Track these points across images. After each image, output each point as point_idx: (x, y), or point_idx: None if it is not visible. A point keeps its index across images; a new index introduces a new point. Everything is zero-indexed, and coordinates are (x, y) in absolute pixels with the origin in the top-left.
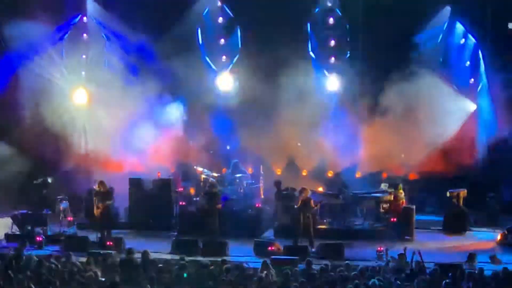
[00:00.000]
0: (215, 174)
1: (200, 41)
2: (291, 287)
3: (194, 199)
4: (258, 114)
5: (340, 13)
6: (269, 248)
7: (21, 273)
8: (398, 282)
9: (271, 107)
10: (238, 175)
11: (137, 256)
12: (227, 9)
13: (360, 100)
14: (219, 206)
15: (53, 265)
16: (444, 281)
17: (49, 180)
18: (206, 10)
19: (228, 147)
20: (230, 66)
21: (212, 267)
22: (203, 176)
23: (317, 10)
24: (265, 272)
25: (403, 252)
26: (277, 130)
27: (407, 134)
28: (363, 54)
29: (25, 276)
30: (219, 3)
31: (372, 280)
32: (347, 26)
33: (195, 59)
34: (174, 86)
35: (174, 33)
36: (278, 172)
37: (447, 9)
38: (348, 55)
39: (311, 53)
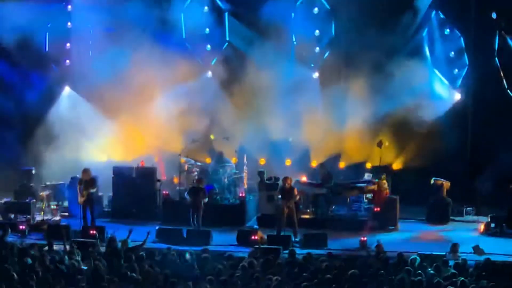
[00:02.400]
0: (198, 164)
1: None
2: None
3: (178, 188)
4: (242, 104)
5: (326, 4)
6: (252, 237)
7: (3, 261)
8: (383, 271)
9: (255, 96)
10: (222, 165)
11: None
12: None
13: (344, 89)
14: (205, 201)
15: (36, 254)
16: (427, 271)
17: (33, 171)
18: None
19: None
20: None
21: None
22: (186, 165)
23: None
24: (249, 260)
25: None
26: (261, 120)
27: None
28: (348, 44)
29: (8, 265)
30: None
31: (352, 271)
32: (332, 16)
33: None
34: (160, 73)
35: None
36: (262, 161)
37: None
38: (332, 44)
39: (295, 42)
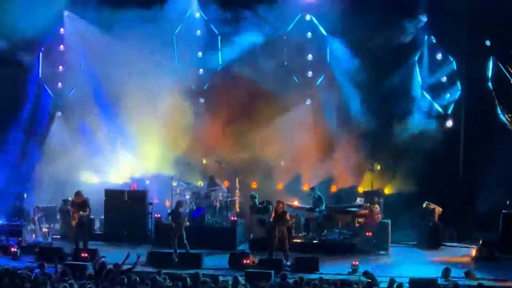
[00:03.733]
0: (190, 187)
1: (176, 55)
2: None
3: (168, 211)
4: (234, 127)
5: (323, 30)
6: (244, 261)
7: None
8: None
9: (246, 119)
10: (213, 188)
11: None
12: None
13: (336, 114)
14: (186, 224)
15: (27, 276)
16: None
17: (25, 195)
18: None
19: None
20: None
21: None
22: (179, 189)
23: (293, 23)
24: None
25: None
26: (253, 144)
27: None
28: (342, 68)
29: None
30: (197, 15)
31: None
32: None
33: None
34: (151, 97)
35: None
36: (254, 185)
37: (423, 20)
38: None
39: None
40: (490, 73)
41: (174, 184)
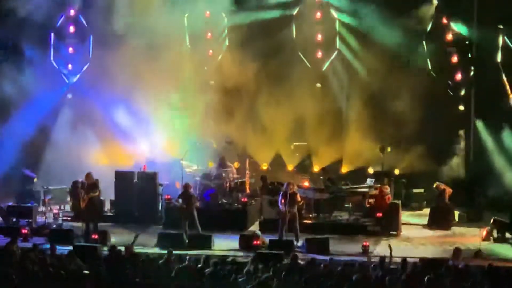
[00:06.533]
0: (196, 167)
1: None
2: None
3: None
4: (244, 109)
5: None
6: (254, 242)
7: (4, 265)
8: (388, 277)
9: (258, 101)
10: (224, 170)
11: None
12: None
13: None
14: (197, 205)
15: (38, 258)
16: (427, 276)
17: (35, 179)
18: None
19: None
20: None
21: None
22: (187, 170)
23: None
24: (252, 266)
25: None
26: (264, 125)
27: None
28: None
29: (9, 268)
30: None
31: (356, 275)
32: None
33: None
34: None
35: None
36: (264, 166)
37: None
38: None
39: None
40: (500, 55)
41: (184, 163)
